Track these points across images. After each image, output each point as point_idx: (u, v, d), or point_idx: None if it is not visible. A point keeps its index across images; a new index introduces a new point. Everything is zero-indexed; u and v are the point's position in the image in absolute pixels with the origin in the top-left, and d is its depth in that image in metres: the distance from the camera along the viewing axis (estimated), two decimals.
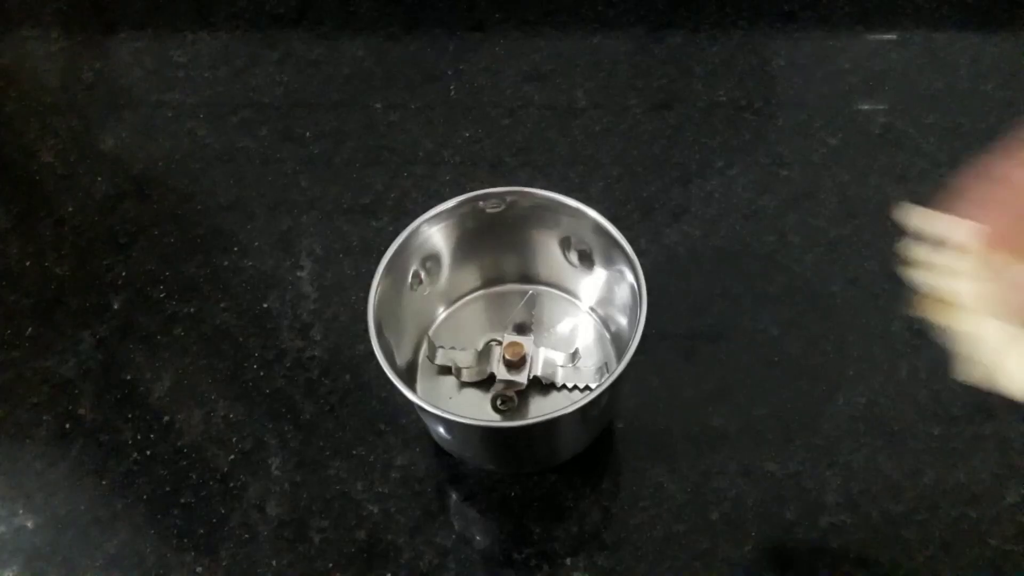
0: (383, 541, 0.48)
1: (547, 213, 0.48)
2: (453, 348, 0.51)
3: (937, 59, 0.64)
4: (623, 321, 0.49)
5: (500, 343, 0.50)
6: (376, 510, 0.49)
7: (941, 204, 0.36)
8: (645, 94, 0.64)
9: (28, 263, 0.59)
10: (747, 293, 0.55)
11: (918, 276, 0.37)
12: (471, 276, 0.53)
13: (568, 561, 0.47)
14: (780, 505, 0.48)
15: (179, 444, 0.52)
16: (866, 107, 0.62)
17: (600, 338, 0.52)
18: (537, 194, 0.48)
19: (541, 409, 0.50)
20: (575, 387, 0.50)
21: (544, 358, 0.51)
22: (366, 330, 0.44)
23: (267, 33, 0.70)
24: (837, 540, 0.47)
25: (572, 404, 0.41)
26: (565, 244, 0.50)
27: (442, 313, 0.52)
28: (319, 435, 0.51)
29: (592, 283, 0.51)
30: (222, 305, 0.56)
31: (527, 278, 0.53)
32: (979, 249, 0.34)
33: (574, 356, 0.50)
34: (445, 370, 0.51)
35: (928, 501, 0.48)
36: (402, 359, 0.49)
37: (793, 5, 0.68)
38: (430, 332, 0.52)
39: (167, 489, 0.50)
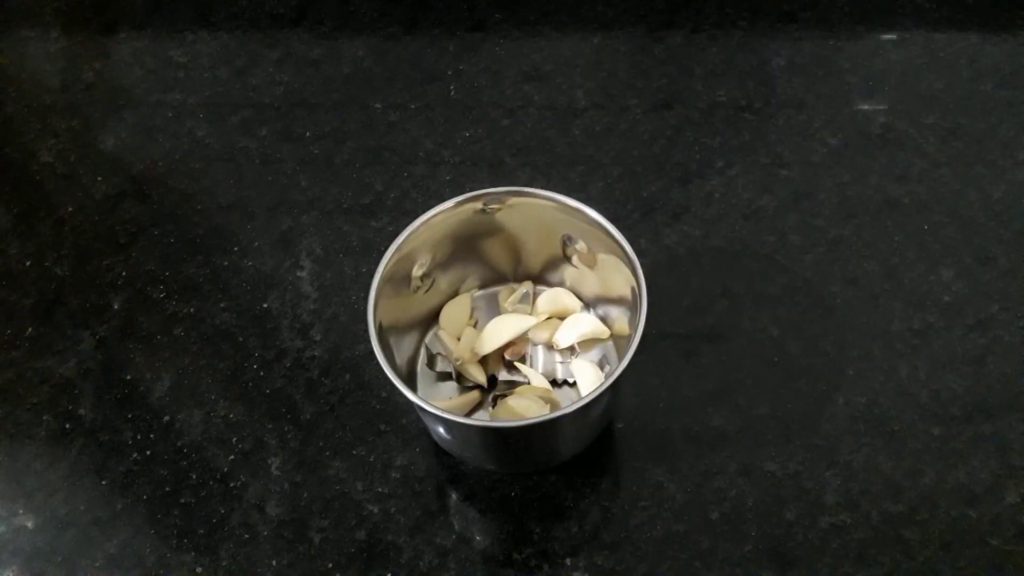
0: (383, 541, 0.48)
1: (547, 213, 0.48)
2: (451, 353, 0.51)
3: (937, 59, 0.64)
4: (623, 321, 0.49)
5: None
6: (376, 510, 0.49)
7: None
8: (645, 94, 0.64)
9: (28, 263, 0.59)
10: (747, 293, 0.55)
11: None
12: (471, 276, 0.53)
13: (568, 561, 0.47)
14: (780, 505, 0.48)
15: (179, 444, 0.52)
16: (866, 107, 0.62)
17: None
18: (537, 194, 0.47)
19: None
20: (575, 383, 0.50)
21: (544, 357, 0.51)
22: (366, 330, 0.44)
23: (267, 33, 0.70)
24: (837, 540, 0.47)
25: (572, 404, 0.41)
26: (565, 244, 0.50)
27: (441, 314, 0.52)
28: (319, 435, 0.51)
29: (592, 283, 0.51)
30: (222, 305, 0.57)
31: (527, 278, 0.53)
32: None
33: (572, 351, 0.50)
34: (445, 372, 0.51)
35: (928, 501, 0.48)
36: (402, 359, 0.49)
37: (793, 5, 0.68)
38: (427, 340, 0.52)
39: (167, 489, 0.50)
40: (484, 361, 0.51)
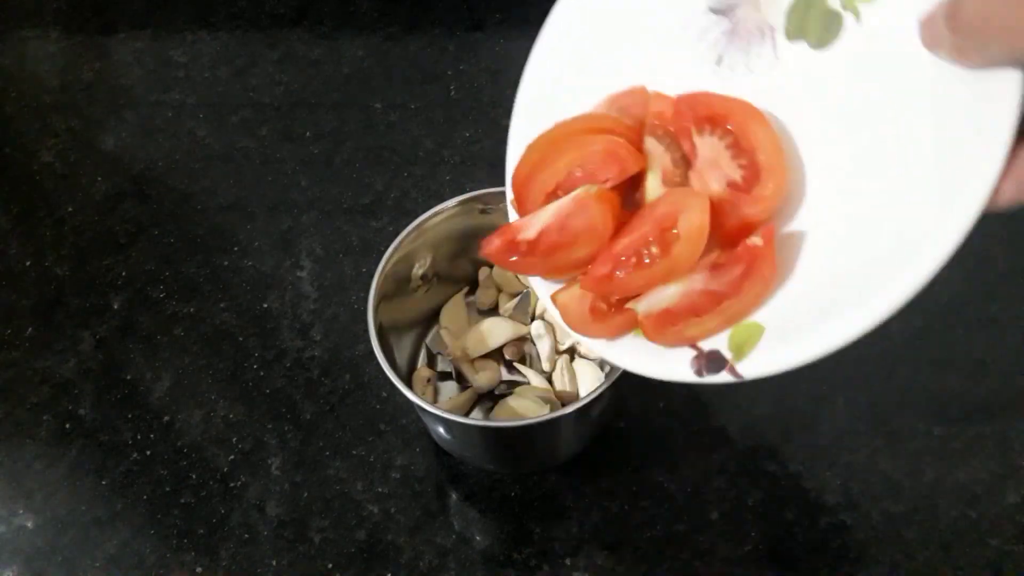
0: (383, 541, 0.48)
1: None
2: (453, 352, 0.51)
3: None
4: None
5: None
6: (376, 510, 0.49)
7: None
8: None
9: (28, 263, 0.59)
10: None
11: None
12: (471, 276, 0.53)
13: (568, 561, 0.47)
14: (780, 505, 0.48)
15: (179, 444, 0.52)
16: None
17: None
18: None
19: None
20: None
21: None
22: (366, 330, 0.44)
23: (267, 33, 0.70)
24: (837, 540, 0.47)
25: (572, 404, 0.41)
26: None
27: (442, 313, 0.52)
28: (319, 435, 0.51)
29: None
30: (222, 305, 0.57)
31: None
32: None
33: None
34: (446, 372, 0.51)
35: (928, 501, 0.48)
36: (402, 359, 0.49)
37: None
38: (427, 340, 0.52)
39: (167, 489, 0.50)
40: (485, 360, 0.51)
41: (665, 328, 0.33)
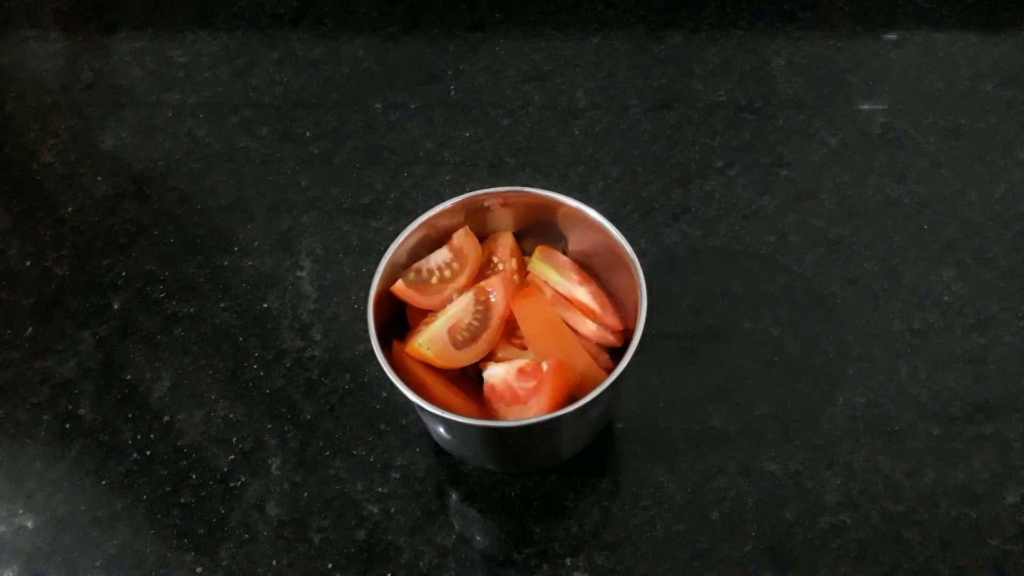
0: (383, 541, 0.48)
1: (547, 213, 0.48)
2: None
3: (937, 59, 0.64)
4: (623, 321, 0.49)
5: None
6: (376, 510, 0.49)
7: None
8: (645, 94, 0.64)
9: (28, 263, 0.59)
10: (747, 293, 0.55)
11: None
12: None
13: (568, 561, 0.47)
14: (780, 505, 0.48)
15: (179, 444, 0.52)
16: (866, 107, 0.62)
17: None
18: (537, 194, 0.48)
19: None
20: None
21: None
22: (366, 330, 0.44)
23: (267, 33, 0.70)
24: (837, 540, 0.47)
25: (572, 404, 0.41)
26: (565, 244, 0.50)
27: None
28: (319, 435, 0.51)
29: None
30: (222, 305, 0.57)
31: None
32: None
33: None
34: None
35: (928, 501, 0.48)
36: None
37: (793, 5, 0.68)
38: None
39: (167, 489, 0.50)
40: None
41: None
